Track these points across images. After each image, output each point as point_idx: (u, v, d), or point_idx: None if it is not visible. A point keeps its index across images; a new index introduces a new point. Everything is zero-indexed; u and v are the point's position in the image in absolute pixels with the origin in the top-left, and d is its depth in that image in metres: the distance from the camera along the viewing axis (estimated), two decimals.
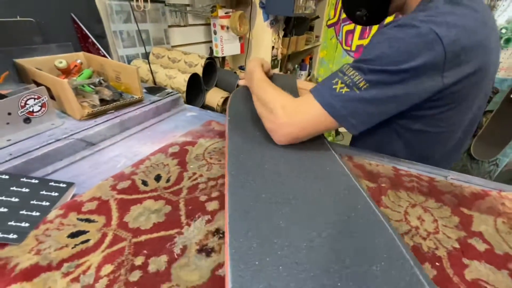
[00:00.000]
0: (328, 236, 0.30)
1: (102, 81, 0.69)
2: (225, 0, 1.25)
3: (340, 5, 2.13)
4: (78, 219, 0.35)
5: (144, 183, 0.42)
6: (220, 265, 0.30)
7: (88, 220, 0.35)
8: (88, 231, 0.33)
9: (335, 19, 2.23)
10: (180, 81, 0.84)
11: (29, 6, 0.67)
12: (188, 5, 1.10)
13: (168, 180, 0.43)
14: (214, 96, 0.98)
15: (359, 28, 2.14)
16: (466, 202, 0.41)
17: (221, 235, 0.33)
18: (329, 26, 2.29)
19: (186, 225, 0.35)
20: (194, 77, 0.89)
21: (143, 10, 0.90)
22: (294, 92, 0.63)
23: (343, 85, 0.42)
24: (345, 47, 2.29)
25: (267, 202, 0.34)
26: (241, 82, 0.68)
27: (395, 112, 0.44)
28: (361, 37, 2.17)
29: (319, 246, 0.29)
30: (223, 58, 1.35)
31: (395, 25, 0.41)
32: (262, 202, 0.34)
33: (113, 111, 0.61)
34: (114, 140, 0.57)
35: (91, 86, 0.65)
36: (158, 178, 0.43)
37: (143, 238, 0.32)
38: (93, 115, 0.58)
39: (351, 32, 2.19)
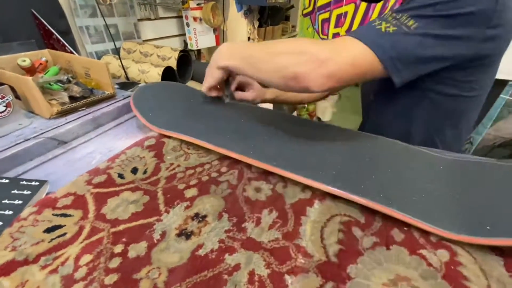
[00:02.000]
0: None
1: (71, 78, 0.67)
2: None
3: None
4: (53, 214, 0.34)
5: (121, 176, 0.42)
6: (200, 246, 0.31)
7: (64, 215, 0.34)
8: (64, 225, 0.33)
9: (310, 8, 2.25)
10: (154, 75, 0.82)
11: None
12: None
13: (145, 172, 0.43)
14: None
15: (334, 16, 2.17)
16: None
17: (200, 219, 0.34)
18: (304, 15, 2.30)
19: (165, 212, 0.35)
20: (168, 71, 0.88)
21: (109, 3, 0.87)
22: None
23: (388, 24, 0.40)
24: (321, 36, 2.32)
25: None
26: (204, 89, 0.57)
27: (438, 65, 0.43)
28: (336, 25, 2.21)
29: None
30: (199, 51, 1.33)
31: None
32: None
33: (84, 108, 0.60)
34: (88, 137, 0.56)
35: (59, 83, 0.63)
36: (134, 170, 0.43)
37: (121, 227, 0.33)
38: (63, 113, 0.56)
39: (327, 20, 2.22)
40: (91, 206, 0.36)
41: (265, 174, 0.43)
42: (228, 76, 0.58)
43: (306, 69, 0.39)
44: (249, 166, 0.45)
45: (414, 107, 0.54)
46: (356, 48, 0.40)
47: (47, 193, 0.40)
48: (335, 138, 0.51)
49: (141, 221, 0.34)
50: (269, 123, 0.54)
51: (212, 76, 0.55)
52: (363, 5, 2.03)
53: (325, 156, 0.44)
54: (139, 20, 1.02)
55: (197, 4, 1.15)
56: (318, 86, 0.40)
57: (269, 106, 1.62)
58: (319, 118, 2.64)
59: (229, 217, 0.35)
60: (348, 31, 2.29)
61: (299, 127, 0.55)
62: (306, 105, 2.61)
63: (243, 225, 0.34)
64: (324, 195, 0.39)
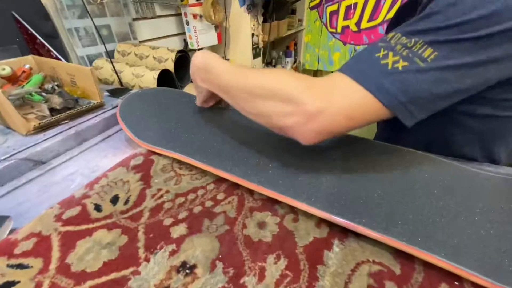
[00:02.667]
0: None
1: (56, 87, 0.61)
2: None
3: None
4: (8, 265, 0.28)
5: (97, 208, 0.35)
6: None
7: (20, 266, 0.28)
8: (18, 282, 0.26)
9: (317, 0, 2.14)
10: (149, 79, 0.75)
11: None
12: None
13: (126, 202, 0.36)
14: (191, 93, 0.90)
15: (343, 8, 2.06)
16: None
17: (187, 271, 0.27)
18: (311, 8, 2.19)
19: (145, 260, 0.28)
20: (165, 74, 0.81)
21: (100, 2, 0.80)
22: None
23: (397, 58, 0.29)
24: (330, 29, 2.20)
25: None
26: (198, 104, 0.53)
27: (466, 95, 0.32)
28: (345, 17, 2.09)
29: None
30: (200, 50, 1.25)
31: None
32: None
33: (67, 121, 0.53)
34: (70, 155, 0.49)
35: (42, 93, 0.57)
36: (115, 199, 0.36)
37: (87, 285, 0.26)
38: (42, 128, 0.50)
39: (335, 13, 2.11)
40: (55, 253, 0.29)
41: (271, 202, 0.35)
42: None
43: (293, 123, 0.32)
44: (251, 190, 0.37)
45: (441, 133, 0.44)
46: (354, 93, 0.31)
47: (11, 230, 0.33)
48: (363, 155, 0.42)
49: (113, 275, 0.27)
50: (278, 138, 0.45)
51: (199, 91, 0.49)
52: None
53: (346, 183, 0.36)
54: (135, 19, 0.95)
55: (197, 0, 1.07)
56: (307, 140, 0.33)
57: None
58: None
59: (224, 267, 0.27)
60: (358, 24, 2.16)
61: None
62: None
63: (241, 281, 0.26)
64: (345, 232, 0.31)
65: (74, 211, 0.34)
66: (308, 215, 0.33)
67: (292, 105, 0.32)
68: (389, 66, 0.29)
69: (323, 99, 0.31)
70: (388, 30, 0.59)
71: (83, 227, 0.32)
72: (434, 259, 0.26)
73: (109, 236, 0.31)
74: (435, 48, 0.28)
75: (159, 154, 0.45)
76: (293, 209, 0.34)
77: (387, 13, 1.95)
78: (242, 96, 0.37)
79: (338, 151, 0.42)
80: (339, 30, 2.14)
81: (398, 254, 0.28)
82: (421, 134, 0.46)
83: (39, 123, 0.49)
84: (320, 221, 0.32)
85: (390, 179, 0.36)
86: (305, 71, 2.50)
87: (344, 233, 0.31)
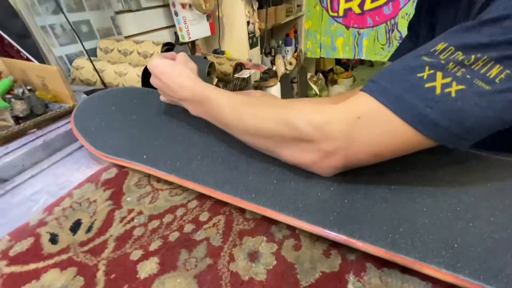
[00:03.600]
0: None
1: (27, 91, 0.54)
2: None
3: None
4: None
5: (53, 238, 0.28)
6: None
7: None
8: None
9: None
10: (133, 77, 0.68)
11: None
12: None
13: (89, 229, 0.29)
14: None
15: None
16: None
17: None
18: None
19: None
20: None
21: None
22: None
23: (448, 79, 0.22)
24: (331, 13, 2.08)
25: None
26: (162, 98, 0.43)
27: None
28: None
29: None
30: (193, 42, 1.17)
31: None
32: None
33: (35, 130, 0.47)
34: (37, 170, 0.43)
35: (12, 99, 0.51)
36: (75, 227, 0.30)
37: None
38: (5, 140, 0.44)
39: None
40: None
41: (267, 222, 0.28)
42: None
43: (310, 160, 0.28)
44: (241, 208, 0.30)
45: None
46: (385, 126, 0.24)
47: None
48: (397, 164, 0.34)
49: None
50: None
51: (172, 102, 0.40)
52: None
53: (340, 188, 0.28)
54: (118, 12, 0.88)
55: None
56: (325, 174, 0.30)
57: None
58: None
59: None
60: (361, 5, 2.03)
61: None
62: (318, 91, 2.41)
63: None
64: (363, 262, 0.24)
65: (25, 244, 0.28)
66: (313, 239, 0.26)
67: (307, 144, 0.27)
68: (437, 91, 0.22)
69: (343, 137, 0.25)
70: (414, 22, 0.48)
71: (32, 266, 0.26)
72: None
73: (61, 279, 0.24)
74: (506, 65, 0.21)
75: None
76: (294, 231, 0.27)
77: None
78: (245, 137, 0.32)
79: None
80: (341, 13, 2.01)
81: None
82: None
83: None
84: (330, 247, 0.25)
85: (394, 177, 0.29)
86: (307, 60, 2.39)
87: (361, 263, 0.24)
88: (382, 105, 0.24)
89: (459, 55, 0.22)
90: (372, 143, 0.25)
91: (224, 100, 0.32)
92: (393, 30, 1.94)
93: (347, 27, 2.05)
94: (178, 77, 0.36)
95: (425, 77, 0.23)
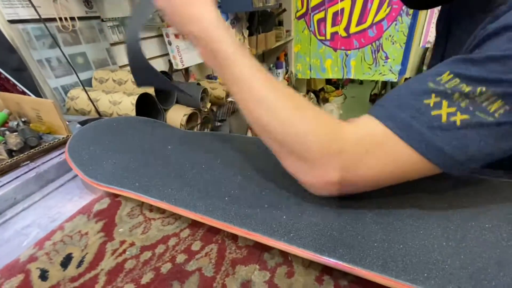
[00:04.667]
0: None
1: (22, 123, 0.55)
2: None
3: None
4: None
5: (43, 275, 0.28)
6: None
7: None
8: None
9: (304, 10, 2.13)
10: (127, 105, 0.70)
11: None
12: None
13: (80, 263, 0.29)
14: (176, 115, 0.85)
15: (330, 15, 2.05)
16: None
17: None
18: (298, 18, 2.19)
19: None
20: (146, 98, 0.75)
21: (72, 30, 0.76)
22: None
23: (452, 109, 0.23)
24: (319, 37, 2.19)
25: None
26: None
27: None
28: (333, 24, 2.07)
29: None
30: (186, 69, 1.21)
31: None
32: None
33: (28, 162, 0.47)
34: (29, 202, 0.42)
35: (6, 132, 0.51)
36: (66, 261, 0.29)
37: None
38: None
39: (323, 20, 2.10)
40: None
41: (259, 249, 0.28)
42: None
43: (309, 179, 0.29)
44: (234, 235, 0.30)
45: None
46: (392, 152, 0.25)
47: None
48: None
49: None
50: (277, 163, 0.38)
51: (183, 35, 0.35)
52: None
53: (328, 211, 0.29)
54: (113, 44, 0.91)
55: None
56: (321, 195, 0.30)
57: None
58: None
59: None
60: (347, 29, 2.15)
61: None
62: None
63: None
64: (355, 287, 0.24)
65: (15, 281, 0.27)
66: (306, 265, 0.26)
67: (307, 163, 0.27)
68: (443, 119, 0.23)
69: (349, 168, 0.26)
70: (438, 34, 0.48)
71: None
72: None
73: None
74: (507, 101, 0.22)
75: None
76: (286, 258, 0.27)
77: (375, 15, 1.93)
78: (261, 113, 0.28)
79: None
80: (328, 37, 2.12)
81: None
82: None
83: None
84: (322, 273, 0.25)
85: (384, 200, 0.30)
86: (298, 80, 2.47)
87: None
88: (390, 130, 0.25)
89: (464, 87, 0.23)
90: (376, 173, 0.26)
91: (245, 71, 0.29)
92: (378, 51, 2.03)
93: (335, 49, 2.15)
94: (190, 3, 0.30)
95: (431, 104, 0.24)
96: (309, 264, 0.26)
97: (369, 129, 0.26)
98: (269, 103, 0.28)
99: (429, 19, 1.82)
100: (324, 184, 0.27)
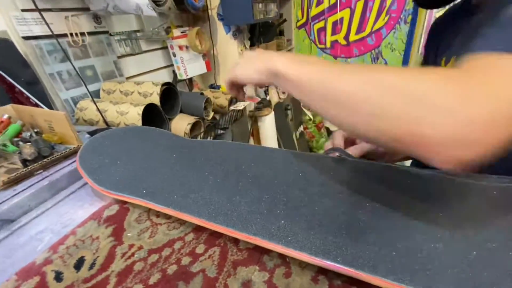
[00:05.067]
0: None
1: (34, 134, 0.58)
2: (180, 19, 1.17)
3: (306, 4, 2.08)
4: None
5: (58, 276, 0.30)
6: None
7: None
8: None
9: (304, 20, 2.18)
10: (134, 115, 0.73)
11: None
12: (137, 30, 1.01)
13: (92, 265, 0.31)
14: (180, 124, 0.88)
15: (330, 24, 2.09)
16: None
17: None
18: (299, 27, 2.23)
19: None
20: (152, 108, 0.78)
21: (82, 45, 0.80)
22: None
23: None
24: (319, 46, 2.23)
25: None
26: (227, 83, 0.40)
27: None
28: (333, 33, 2.11)
29: None
30: (190, 79, 1.25)
31: None
32: None
33: (41, 171, 0.50)
34: (43, 209, 0.45)
35: (20, 143, 0.54)
36: (79, 264, 0.31)
37: None
38: (13, 183, 0.46)
39: (323, 29, 2.14)
40: None
41: (259, 252, 0.30)
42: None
43: (447, 131, 0.20)
44: (235, 239, 0.32)
45: None
46: None
47: None
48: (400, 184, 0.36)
49: None
50: (276, 170, 0.40)
51: (248, 75, 0.35)
52: (359, 8, 1.94)
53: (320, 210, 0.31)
54: (120, 57, 0.95)
55: (182, 32, 1.08)
56: (448, 167, 0.22)
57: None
58: (327, 129, 2.49)
59: None
60: (346, 38, 2.19)
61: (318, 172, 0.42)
62: (312, 117, 2.48)
63: None
64: (348, 287, 0.25)
65: (32, 283, 0.30)
66: (303, 266, 0.28)
67: (439, 107, 0.20)
68: None
69: (494, 95, 0.20)
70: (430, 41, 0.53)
71: None
72: None
73: None
74: None
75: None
76: (284, 260, 0.29)
77: (374, 23, 1.97)
78: (353, 91, 0.25)
79: (355, 181, 0.37)
80: (328, 45, 2.16)
81: None
82: None
83: (8, 178, 0.45)
84: (317, 273, 0.27)
85: (377, 203, 0.31)
86: None
87: (347, 287, 0.25)
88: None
89: None
90: None
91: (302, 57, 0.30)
92: (378, 58, 2.06)
93: (335, 57, 2.18)
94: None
95: None
96: (305, 266, 0.28)
97: (488, 67, 0.22)
98: (404, 86, 0.22)
99: (427, 27, 1.85)
100: (479, 124, 0.19)
